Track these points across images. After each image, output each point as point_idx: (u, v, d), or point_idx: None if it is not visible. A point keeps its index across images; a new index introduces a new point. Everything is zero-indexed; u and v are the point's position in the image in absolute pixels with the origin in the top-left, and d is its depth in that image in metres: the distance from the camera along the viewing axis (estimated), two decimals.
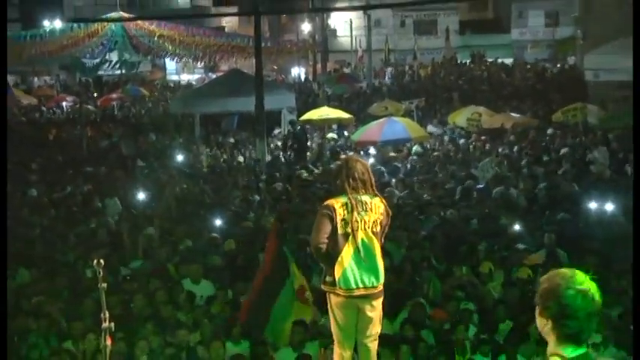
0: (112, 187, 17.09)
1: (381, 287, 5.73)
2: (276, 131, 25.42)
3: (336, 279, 5.61)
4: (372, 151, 21.17)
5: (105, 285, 4.97)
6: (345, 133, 24.66)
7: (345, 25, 53.68)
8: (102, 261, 4.96)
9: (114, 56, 40.12)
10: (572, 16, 47.34)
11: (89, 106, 35.21)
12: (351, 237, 5.61)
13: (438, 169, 18.41)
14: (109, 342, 5.02)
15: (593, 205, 13.24)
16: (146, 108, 36.37)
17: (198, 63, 49.33)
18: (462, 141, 22.60)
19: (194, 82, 47.86)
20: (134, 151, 23.07)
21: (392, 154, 20.93)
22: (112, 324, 5.01)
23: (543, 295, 3.36)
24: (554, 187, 15.45)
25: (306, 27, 57.42)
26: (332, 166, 19.21)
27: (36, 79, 53.07)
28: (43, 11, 43.95)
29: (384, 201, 5.85)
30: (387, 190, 15.68)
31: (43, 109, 38.00)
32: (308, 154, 22.24)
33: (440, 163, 19.23)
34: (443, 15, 58.30)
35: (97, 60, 40.47)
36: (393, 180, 17.10)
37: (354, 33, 50.18)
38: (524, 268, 10.21)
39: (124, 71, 42.61)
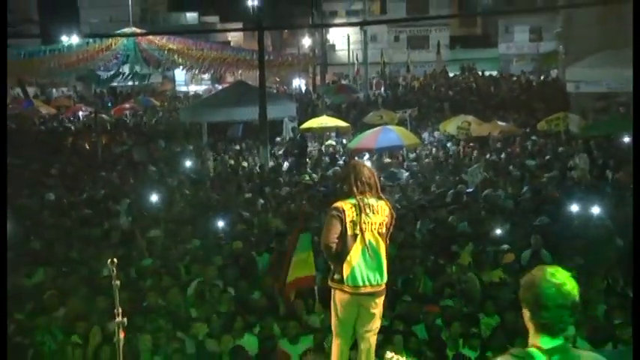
0: (124, 191, 17.08)
1: (384, 285, 5.77)
2: (279, 139, 25.40)
3: (344, 277, 5.64)
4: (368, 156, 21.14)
5: (118, 282, 4.98)
6: (344, 140, 24.64)
7: (343, 39, 53.75)
8: (115, 260, 4.97)
9: (127, 69, 40.18)
10: (554, 32, 47.48)
11: (103, 116, 35.17)
12: (359, 237, 5.64)
13: (428, 175, 18.40)
14: (122, 335, 5.03)
15: (574, 208, 13.25)
16: (157, 117, 36.35)
17: (206, 75, 49.54)
18: (452, 148, 22.60)
19: (202, 93, 47.87)
20: (145, 157, 23.05)
21: (387, 160, 20.91)
22: (125, 319, 5.03)
23: (524, 286, 3.41)
24: (538, 191, 15.46)
25: (306, 41, 57.46)
26: (330, 172, 19.23)
27: (54, 90, 53.14)
28: (61, 27, 43.99)
29: (388, 204, 5.89)
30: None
31: (61, 118, 38.01)
32: (308, 160, 22.21)
33: (432, 168, 19.23)
34: (434, 31, 58.40)
35: (111, 72, 40.52)
36: (390, 184, 17.08)
37: (351, 47, 50.20)
38: (497, 271, 10.18)
39: (136, 83, 42.64)
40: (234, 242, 11.86)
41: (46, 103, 44.37)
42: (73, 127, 33.30)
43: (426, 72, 51.18)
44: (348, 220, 5.62)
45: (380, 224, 5.72)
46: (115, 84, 44.34)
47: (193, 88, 54.12)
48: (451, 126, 24.47)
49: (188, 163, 21.13)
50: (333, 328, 5.92)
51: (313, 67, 49.96)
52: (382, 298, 5.79)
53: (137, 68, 40.06)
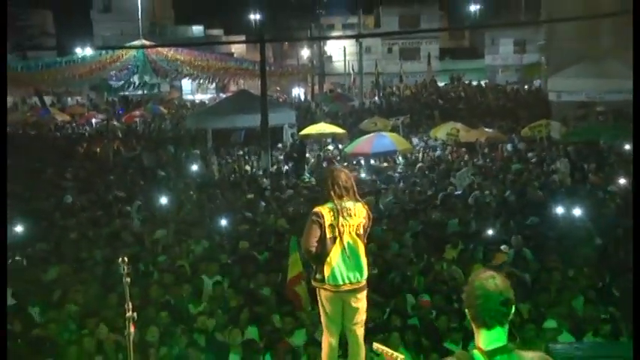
0: (135, 194, 17.08)
1: (364, 282, 5.78)
2: (280, 145, 25.37)
3: (325, 276, 5.67)
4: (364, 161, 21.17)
5: (129, 279, 4.99)
6: (340, 146, 24.64)
7: (339, 51, 53.82)
8: (126, 258, 4.99)
9: (137, 78, 40.18)
10: (537, 44, 47.53)
11: (115, 123, 35.15)
12: (338, 240, 5.65)
13: (420, 178, 18.40)
14: (132, 329, 5.04)
15: (555, 210, 13.27)
16: (165, 124, 36.34)
17: (211, 84, 49.50)
18: (441, 153, 22.61)
19: (207, 101, 47.84)
20: (154, 162, 23.04)
21: (384, 164, 20.93)
22: (135, 313, 5.04)
23: (464, 290, 3.41)
24: (521, 193, 15.47)
25: (305, 53, 57.59)
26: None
27: (69, 98, 53.10)
28: (75, 40, 44.11)
29: (365, 206, 5.87)
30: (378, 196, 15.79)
31: (75, 125, 38.00)
32: (307, 164, 22.21)
33: (423, 172, 19.23)
34: (425, 43, 58.48)
35: (122, 82, 40.51)
36: (384, 187, 17.08)
37: (347, 58, 50.30)
38: (477, 265, 10.18)
39: (145, 92, 42.66)
40: (241, 242, 11.84)
41: (61, 110, 44.35)
42: (86, 134, 33.27)
43: (417, 82, 51.17)
44: (326, 223, 5.64)
45: (357, 226, 5.73)
46: (125, 93, 44.31)
47: (199, 97, 54.10)
48: (441, 132, 24.47)
49: (194, 167, 21.12)
50: (322, 323, 5.96)
51: (312, 77, 49.95)
52: (364, 293, 5.81)
53: (146, 78, 40.08)
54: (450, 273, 9.97)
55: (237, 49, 56.00)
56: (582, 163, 18.69)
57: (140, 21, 44.27)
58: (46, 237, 12.76)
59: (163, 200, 15.69)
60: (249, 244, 11.74)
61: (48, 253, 11.55)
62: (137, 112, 39.55)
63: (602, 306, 8.43)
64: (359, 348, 5.86)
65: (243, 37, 51.57)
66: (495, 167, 19.30)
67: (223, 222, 13.28)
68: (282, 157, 23.59)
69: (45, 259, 11.18)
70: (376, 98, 45.39)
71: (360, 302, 5.80)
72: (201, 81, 44.36)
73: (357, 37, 48.10)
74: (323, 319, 5.90)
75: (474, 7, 56.74)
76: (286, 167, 21.88)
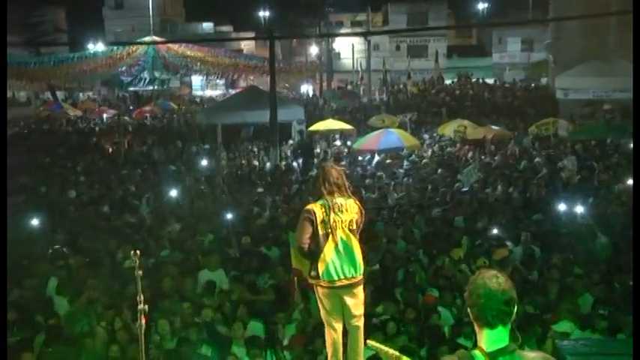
0: (145, 188, 17.09)
1: (360, 277, 5.77)
2: (291, 141, 25.31)
3: (320, 273, 5.66)
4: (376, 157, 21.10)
5: (140, 272, 4.99)
6: (348, 142, 24.59)
7: (347, 48, 53.74)
8: (138, 252, 4.98)
9: (147, 74, 40.17)
10: (544, 43, 47.35)
11: (126, 118, 35.22)
12: (330, 236, 5.64)
13: (427, 175, 18.34)
14: (143, 321, 5.04)
15: (563, 207, 13.20)
16: (175, 119, 36.37)
17: (220, 80, 49.48)
18: (449, 150, 22.54)
19: (216, 97, 47.90)
20: (165, 156, 23.07)
21: (388, 160, 20.87)
22: (147, 306, 5.04)
23: (467, 289, 3.37)
24: (529, 190, 15.41)
25: (314, 50, 57.51)
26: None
27: (81, 94, 53.29)
28: (87, 37, 44.21)
29: (357, 202, 5.87)
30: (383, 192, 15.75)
31: (87, 120, 38.08)
32: (315, 160, 22.17)
33: (430, 169, 19.17)
34: (433, 41, 58.36)
35: (133, 77, 40.55)
36: (392, 183, 17.04)
37: (355, 56, 50.18)
38: (481, 259, 10.16)
39: (156, 87, 42.63)
40: (244, 237, 11.83)
41: (73, 106, 44.51)
42: (97, 129, 33.34)
43: (425, 79, 51.06)
44: (318, 220, 5.63)
45: (350, 221, 5.71)
46: (136, 88, 44.36)
47: (209, 93, 54.17)
48: (448, 129, 24.41)
49: (204, 162, 21.14)
50: (324, 320, 5.93)
51: (320, 74, 49.87)
52: (360, 287, 5.79)
53: (157, 74, 40.08)
54: (456, 269, 9.93)
55: (247, 45, 56.04)
56: (590, 161, 18.60)
57: (151, 17, 44.36)
58: (60, 230, 12.79)
59: (173, 194, 15.70)
60: (256, 239, 11.72)
61: (62, 246, 11.57)
62: (148, 108, 39.59)
63: (608, 303, 8.38)
64: (358, 342, 5.83)
65: (252, 34, 51.52)
66: (502, 164, 19.21)
67: (231, 216, 13.25)
68: (289, 153, 23.56)
69: (60, 252, 11.20)
70: (384, 95, 45.31)
71: (357, 297, 5.78)
72: (211, 77, 44.32)
73: (365, 34, 48.08)
74: (322, 314, 5.89)
75: (481, 5, 56.56)
76: (295, 163, 21.85)
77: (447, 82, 50.16)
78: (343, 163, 20.72)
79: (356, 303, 5.77)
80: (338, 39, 57.64)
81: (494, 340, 3.26)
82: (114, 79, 40.74)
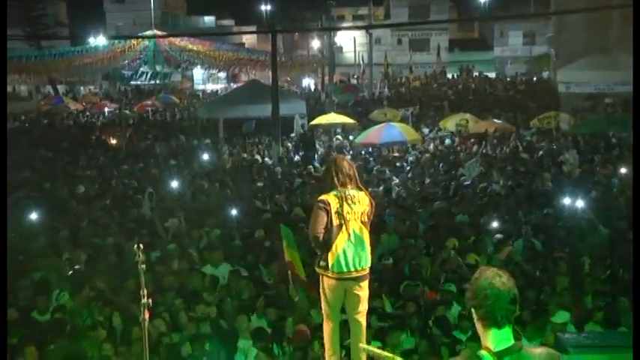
0: (147, 182, 17.09)
1: (367, 270, 5.76)
2: (293, 134, 25.31)
3: (330, 264, 5.63)
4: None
5: (144, 266, 5.00)
6: (350, 136, 24.58)
7: (349, 42, 53.70)
8: (141, 245, 4.99)
9: (149, 68, 40.18)
10: (546, 36, 47.25)
11: (127, 112, 35.22)
12: (344, 227, 5.61)
13: (429, 169, 18.33)
14: (147, 315, 5.05)
15: (564, 200, 13.20)
16: (177, 113, 36.35)
17: (222, 74, 49.50)
18: (450, 143, 22.54)
19: (218, 91, 47.86)
20: (166, 150, 23.07)
21: (395, 154, 20.88)
22: (150, 300, 5.05)
23: (467, 290, 3.35)
24: (530, 184, 15.40)
25: (315, 44, 57.50)
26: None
27: (82, 88, 53.24)
28: (89, 30, 44.15)
29: (367, 194, 5.85)
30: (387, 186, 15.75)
31: (88, 114, 38.08)
32: (317, 154, 22.17)
33: (432, 162, 19.16)
34: (434, 34, 58.27)
35: (134, 71, 40.55)
36: (395, 178, 17.02)
37: (357, 49, 50.08)
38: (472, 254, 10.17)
39: (157, 81, 42.68)
40: (257, 230, 11.81)
41: (74, 100, 44.47)
42: (99, 123, 33.35)
43: (427, 73, 51.05)
44: (333, 211, 5.59)
45: (362, 213, 5.69)
46: (138, 82, 44.37)
47: (210, 87, 54.14)
48: (450, 123, 24.40)
49: (205, 156, 21.14)
50: (323, 311, 5.90)
51: (322, 68, 49.82)
52: (366, 281, 5.78)
53: (158, 68, 40.13)
54: (458, 263, 9.93)
55: (248, 39, 55.99)
56: (591, 155, 18.59)
57: (152, 11, 44.32)
58: (62, 224, 12.80)
59: (175, 188, 15.70)
60: (260, 232, 11.72)
61: (64, 240, 11.59)
62: (149, 102, 39.58)
63: (608, 296, 8.39)
64: (361, 336, 5.82)
65: (254, 28, 51.49)
66: (504, 158, 19.20)
67: (233, 211, 13.26)
68: (291, 147, 23.55)
69: (61, 246, 11.22)
70: (386, 89, 45.29)
71: (363, 290, 5.77)
72: (213, 71, 44.34)
73: (367, 27, 47.94)
74: (324, 305, 5.86)
75: None
76: (297, 157, 21.85)
77: (449, 75, 50.09)
78: (347, 157, 20.72)
79: (361, 297, 5.75)
80: (340, 33, 57.53)
81: (501, 339, 3.25)
82: (115, 73, 40.84)
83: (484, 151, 20.08)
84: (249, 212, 13.57)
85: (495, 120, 24.32)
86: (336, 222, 5.60)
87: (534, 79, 47.55)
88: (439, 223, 12.11)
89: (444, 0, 59.69)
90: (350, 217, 5.62)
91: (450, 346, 7.33)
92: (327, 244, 5.62)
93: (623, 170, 15.81)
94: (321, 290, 5.84)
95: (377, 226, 11.86)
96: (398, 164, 19.30)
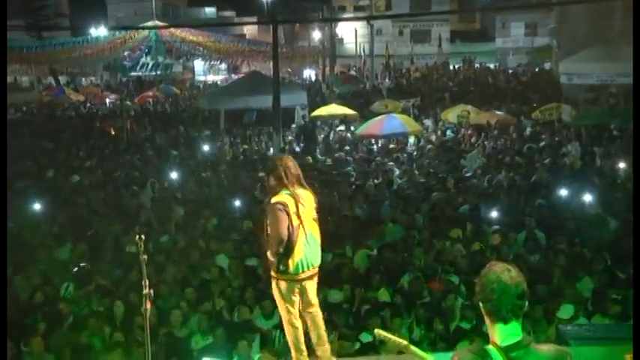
0: (148, 173, 17.09)
1: (317, 267, 5.66)
2: (294, 125, 25.26)
3: (290, 266, 5.46)
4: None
5: (145, 257, 4.99)
6: (352, 127, 24.54)
7: (350, 33, 53.48)
8: (143, 236, 4.98)
9: (150, 59, 40.12)
10: (548, 27, 47.07)
11: (128, 103, 35.15)
12: (301, 227, 5.47)
13: (430, 160, 18.29)
14: (148, 306, 5.04)
15: (566, 192, 13.18)
16: (178, 104, 36.30)
17: (223, 65, 49.38)
18: (452, 135, 22.50)
19: (219, 82, 47.78)
20: (167, 141, 23.06)
21: (392, 145, 20.85)
22: (152, 290, 5.04)
23: (476, 285, 3.33)
24: (532, 175, 15.37)
25: (316, 35, 57.27)
26: (337, 155, 19.10)
27: (83, 79, 53.16)
28: (89, 21, 43.96)
29: (312, 192, 5.73)
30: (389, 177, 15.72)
31: (89, 104, 38.04)
32: (317, 145, 22.13)
33: (433, 154, 19.12)
34: (436, 25, 58.06)
35: (135, 62, 40.47)
36: (396, 169, 17.00)
37: (358, 40, 49.93)
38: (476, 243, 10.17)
39: (158, 72, 42.60)
40: (245, 222, 11.80)
41: (75, 90, 44.44)
42: (100, 113, 33.32)
43: (428, 64, 50.90)
44: (291, 211, 5.44)
45: (312, 211, 5.60)
46: (138, 73, 44.29)
47: (211, 78, 54.02)
48: (451, 114, 24.37)
49: (206, 147, 21.12)
50: (283, 318, 5.72)
51: (323, 59, 49.68)
52: (316, 277, 5.68)
53: (160, 59, 40.05)
54: (458, 254, 9.93)
55: (249, 30, 55.83)
56: (593, 146, 18.55)
57: (153, 2, 44.12)
58: (62, 215, 12.81)
59: (176, 179, 15.69)
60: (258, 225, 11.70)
61: (65, 231, 11.59)
62: (150, 93, 39.55)
63: (611, 287, 8.38)
64: (321, 326, 5.73)
65: (255, 19, 51.26)
66: (505, 149, 19.15)
67: (234, 201, 13.26)
68: (292, 138, 23.52)
69: (62, 237, 11.22)
70: (387, 80, 45.16)
71: (315, 285, 5.68)
72: (214, 62, 44.24)
73: (368, 18, 47.88)
74: (284, 312, 5.65)
75: None
76: (297, 148, 21.83)
77: (450, 67, 49.97)
78: (347, 147, 20.71)
79: (313, 291, 5.67)
80: (341, 24, 57.31)
81: (508, 334, 3.23)
82: (116, 64, 40.63)
83: (486, 142, 20.05)
84: (249, 203, 13.55)
85: (497, 111, 24.28)
86: (295, 222, 5.44)
87: (536, 70, 47.39)
88: (439, 214, 12.09)
89: None
90: (304, 216, 5.50)
91: (452, 336, 7.34)
92: (288, 247, 5.44)
93: (625, 162, 15.77)
94: (278, 297, 5.63)
95: (380, 217, 12.02)
96: (395, 155, 19.25)
